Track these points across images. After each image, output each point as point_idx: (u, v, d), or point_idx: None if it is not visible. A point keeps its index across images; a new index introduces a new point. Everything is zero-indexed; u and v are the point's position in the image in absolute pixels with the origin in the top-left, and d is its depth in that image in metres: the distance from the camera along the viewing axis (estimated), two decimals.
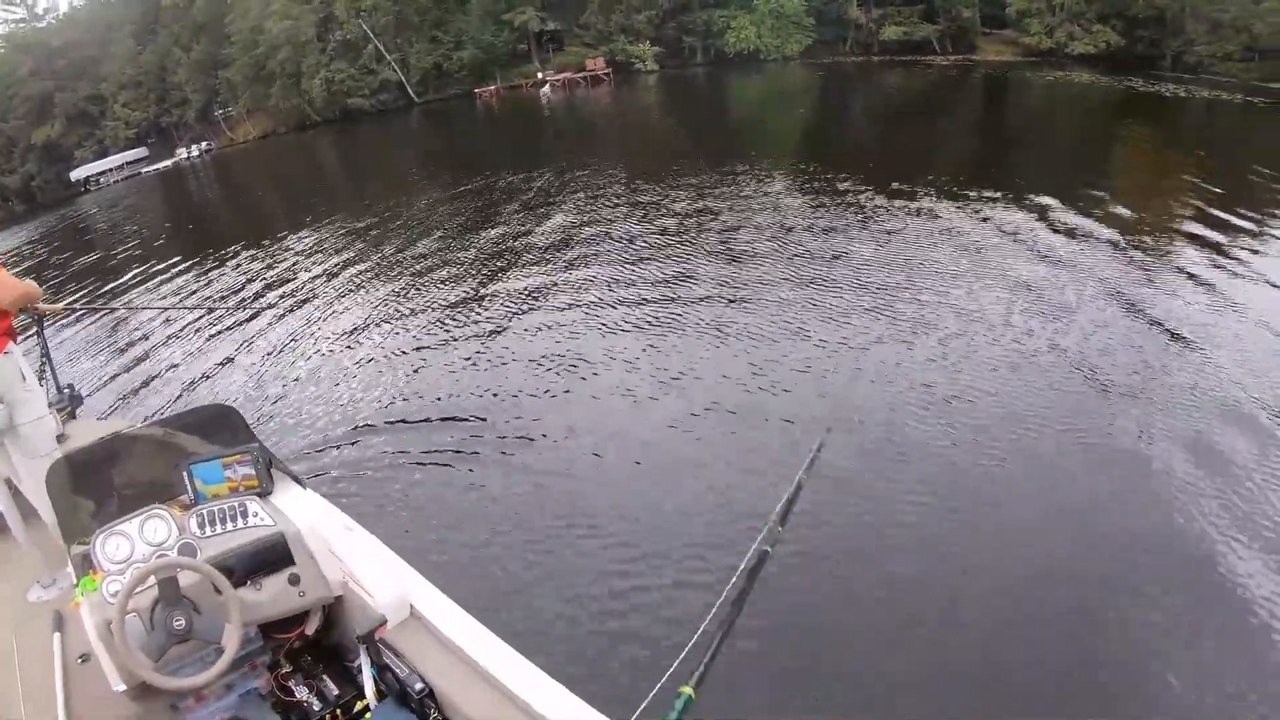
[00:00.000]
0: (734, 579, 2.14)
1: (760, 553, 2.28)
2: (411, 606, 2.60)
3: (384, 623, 2.50)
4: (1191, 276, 10.08)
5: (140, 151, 48.83)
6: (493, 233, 15.24)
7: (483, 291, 11.75)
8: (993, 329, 8.65)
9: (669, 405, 7.56)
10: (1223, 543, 5.16)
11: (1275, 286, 9.59)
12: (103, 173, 46.16)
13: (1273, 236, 11.61)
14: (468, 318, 10.70)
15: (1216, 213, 12.94)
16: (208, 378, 10.05)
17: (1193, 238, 11.80)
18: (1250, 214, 12.73)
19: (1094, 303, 9.38)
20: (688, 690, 1.63)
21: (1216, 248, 11.23)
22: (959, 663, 4.41)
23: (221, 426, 3.06)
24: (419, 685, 2.35)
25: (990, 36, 41.12)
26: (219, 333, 11.92)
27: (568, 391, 8.11)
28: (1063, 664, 4.40)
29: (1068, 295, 9.56)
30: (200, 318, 12.87)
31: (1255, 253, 10.91)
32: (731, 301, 9.99)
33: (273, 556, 2.48)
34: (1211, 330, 8.39)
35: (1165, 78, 33.83)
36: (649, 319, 9.73)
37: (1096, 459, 6.23)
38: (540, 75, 48.68)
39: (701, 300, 10.06)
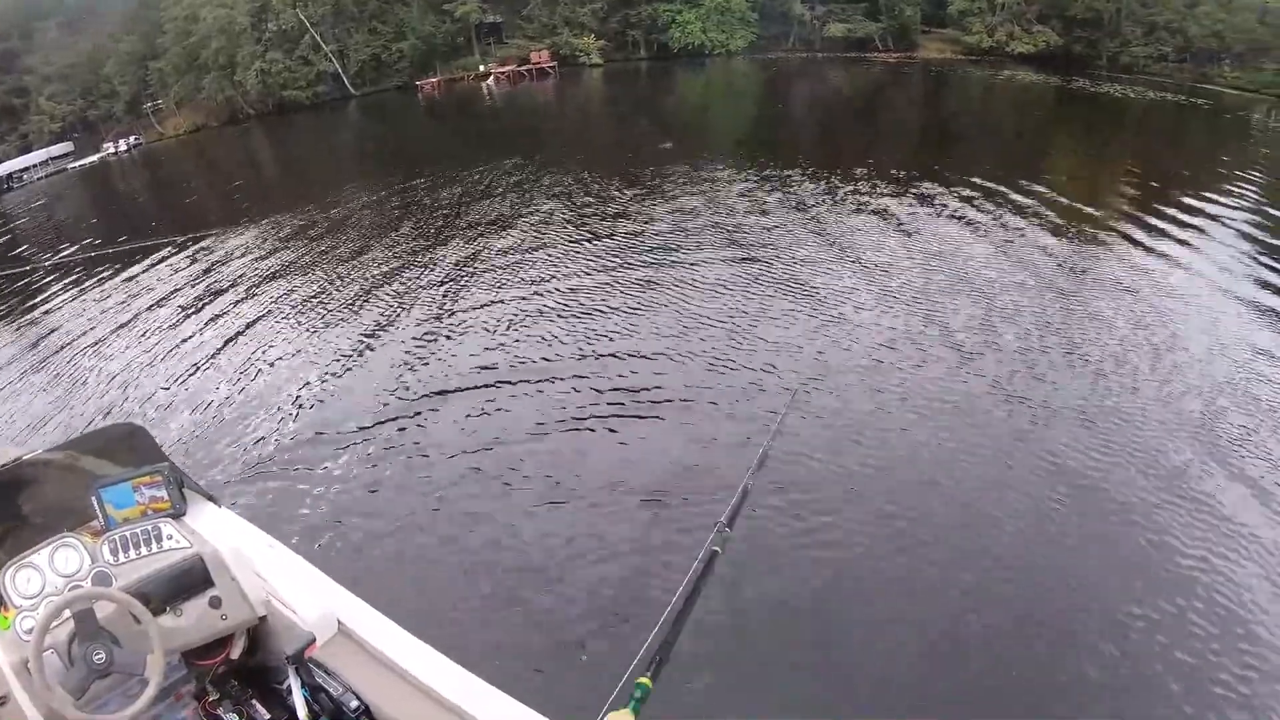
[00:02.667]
0: (686, 578, 2.19)
1: (710, 553, 2.36)
2: (339, 622, 2.51)
3: (313, 641, 2.38)
4: (1122, 265, 10.94)
5: (65, 146, 46.88)
6: (426, 235, 14.98)
7: (408, 297, 11.53)
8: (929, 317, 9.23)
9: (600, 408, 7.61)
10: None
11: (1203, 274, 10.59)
12: (26, 169, 44.35)
13: (1202, 229, 12.60)
14: (388, 325, 10.52)
15: (1149, 204, 13.90)
16: (112, 395, 9.62)
17: (1124, 228, 12.62)
18: (1181, 207, 13.73)
19: (1025, 286, 10.13)
20: (645, 680, 1.73)
21: (1143, 240, 12.06)
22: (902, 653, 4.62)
23: (129, 446, 2.93)
24: (354, 703, 2.28)
25: (931, 35, 41.07)
26: (124, 347, 11.40)
27: (492, 400, 8.00)
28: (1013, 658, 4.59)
29: (1004, 279, 10.31)
30: (105, 330, 12.29)
31: (1185, 243, 11.87)
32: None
33: (191, 580, 2.37)
34: (1140, 315, 9.17)
35: (1102, 77, 34.31)
36: (584, 324, 9.69)
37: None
38: (483, 68, 47.56)
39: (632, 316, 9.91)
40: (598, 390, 7.99)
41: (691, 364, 8.32)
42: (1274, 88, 31.52)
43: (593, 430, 7.29)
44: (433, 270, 12.61)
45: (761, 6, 43.41)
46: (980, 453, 6.49)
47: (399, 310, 11.00)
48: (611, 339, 9.13)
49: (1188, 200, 14.17)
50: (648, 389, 7.88)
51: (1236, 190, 15.37)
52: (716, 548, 2.43)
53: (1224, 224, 13.00)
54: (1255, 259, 11.40)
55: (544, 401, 7.86)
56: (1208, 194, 14.73)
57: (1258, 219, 13.46)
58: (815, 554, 5.43)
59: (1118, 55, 35.92)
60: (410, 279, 12.33)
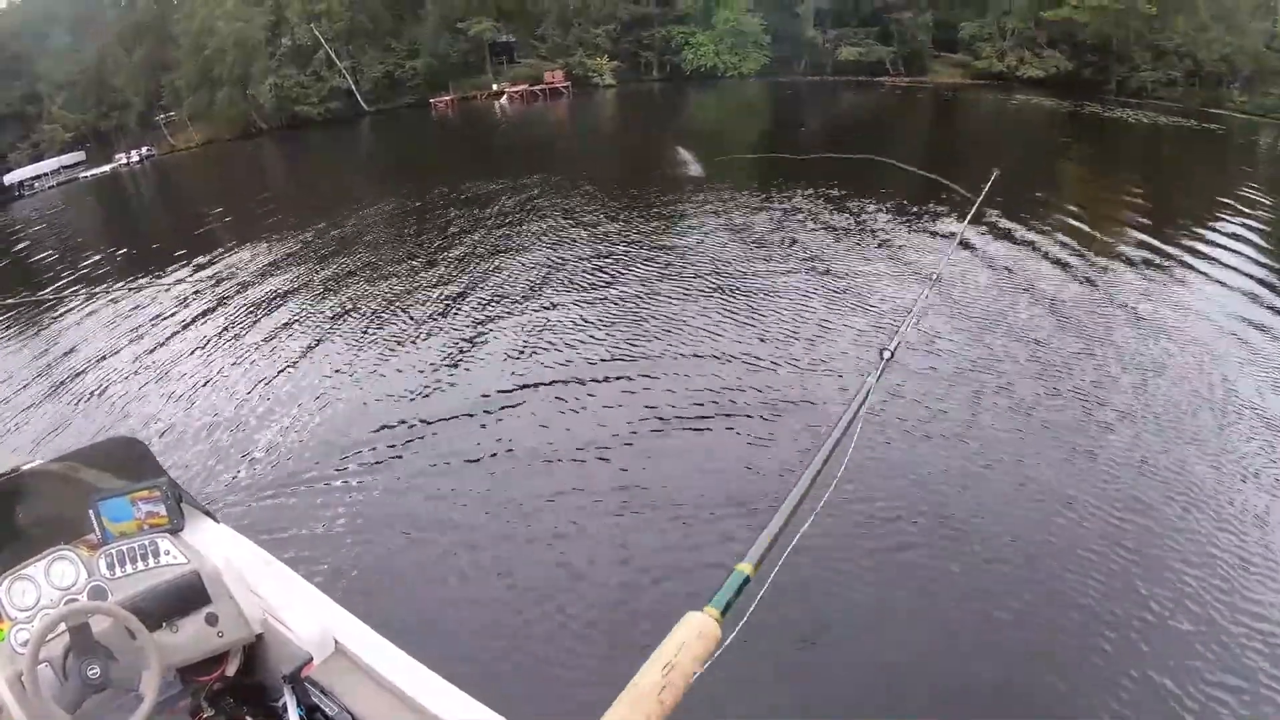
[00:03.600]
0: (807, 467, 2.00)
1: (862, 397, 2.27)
2: (337, 642, 2.52)
3: (310, 660, 2.40)
4: (1133, 291, 10.90)
5: (77, 155, 46.84)
6: (436, 255, 14.73)
7: (420, 314, 11.36)
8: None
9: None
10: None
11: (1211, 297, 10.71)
12: (38, 177, 44.19)
13: (1210, 253, 12.63)
14: (398, 343, 10.35)
15: (1158, 229, 13.91)
16: (115, 407, 9.45)
17: (1135, 252, 12.66)
18: (1190, 231, 13.84)
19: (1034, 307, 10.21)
20: (746, 568, 1.56)
21: (1155, 263, 12.14)
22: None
23: (128, 460, 2.93)
24: None
25: (941, 59, 41.66)
26: (129, 360, 11.20)
27: (499, 419, 7.90)
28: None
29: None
30: (111, 343, 12.09)
31: (1192, 269, 11.88)
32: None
33: (188, 596, 2.36)
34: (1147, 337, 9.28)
35: (1112, 102, 34.87)
36: (598, 340, 9.58)
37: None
38: (497, 86, 48.00)
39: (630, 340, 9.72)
40: (611, 409, 7.95)
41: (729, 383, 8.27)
42: (1273, 114, 32.18)
43: (608, 446, 7.26)
44: (449, 286, 12.44)
45: (774, 30, 44.03)
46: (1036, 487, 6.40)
47: (409, 328, 10.85)
48: (626, 356, 9.11)
49: (1220, 229, 14.23)
50: (668, 405, 7.86)
51: (1266, 218, 15.50)
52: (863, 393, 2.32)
53: (1261, 254, 12.98)
54: None
55: (556, 418, 7.81)
56: (1241, 222, 14.89)
57: None
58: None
59: (1127, 80, 36.51)
60: (424, 297, 12.15)
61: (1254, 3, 35.69)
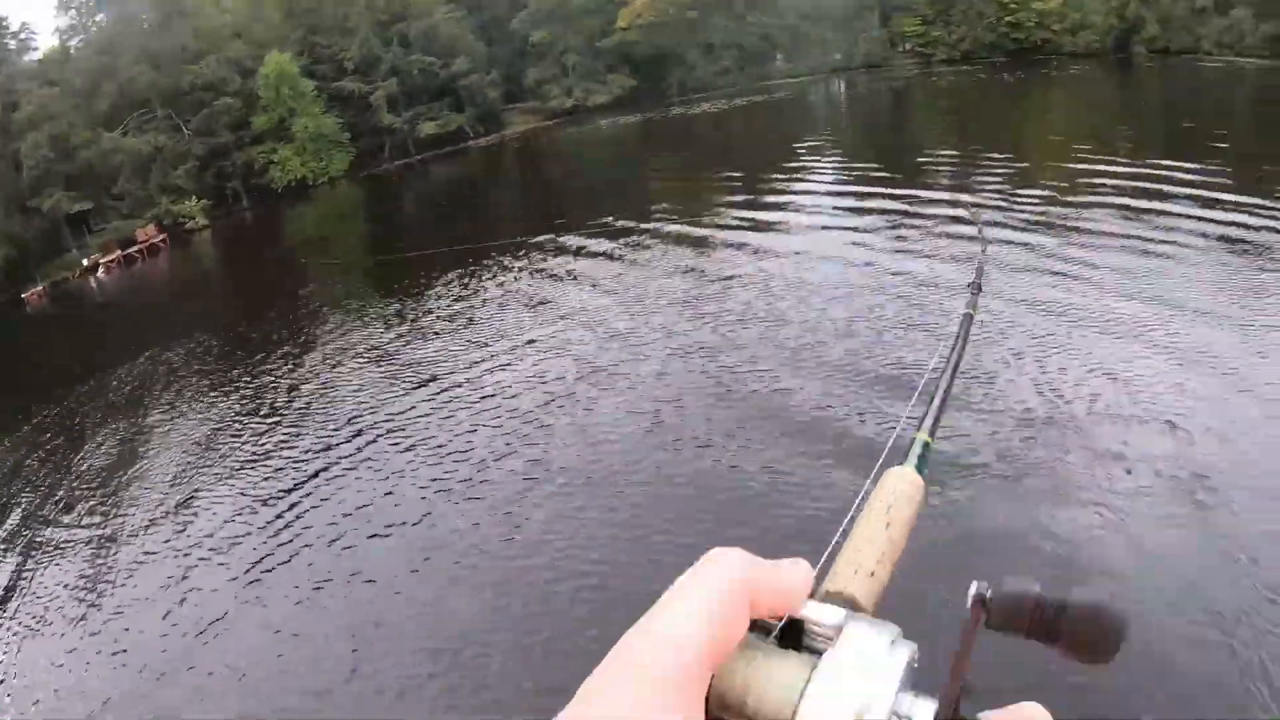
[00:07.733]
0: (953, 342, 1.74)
1: (966, 316, 2.03)
2: None
3: None
4: None
5: None
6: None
7: None
8: None
9: None
10: None
11: None
12: None
13: None
14: None
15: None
16: None
17: None
18: None
19: None
20: (926, 437, 1.26)
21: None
22: None
23: None
24: None
25: (514, 110, 39.77)
26: None
27: None
28: None
29: None
30: None
31: None
32: None
33: None
34: None
35: (676, 102, 35.29)
36: None
37: None
38: (88, 261, 42.24)
39: None
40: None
41: None
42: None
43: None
44: None
45: (353, 124, 40.90)
46: None
47: None
48: None
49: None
50: None
51: None
52: (969, 310, 2.10)
53: None
54: None
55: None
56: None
57: None
58: None
59: (685, 80, 36.05)
60: None
61: None
